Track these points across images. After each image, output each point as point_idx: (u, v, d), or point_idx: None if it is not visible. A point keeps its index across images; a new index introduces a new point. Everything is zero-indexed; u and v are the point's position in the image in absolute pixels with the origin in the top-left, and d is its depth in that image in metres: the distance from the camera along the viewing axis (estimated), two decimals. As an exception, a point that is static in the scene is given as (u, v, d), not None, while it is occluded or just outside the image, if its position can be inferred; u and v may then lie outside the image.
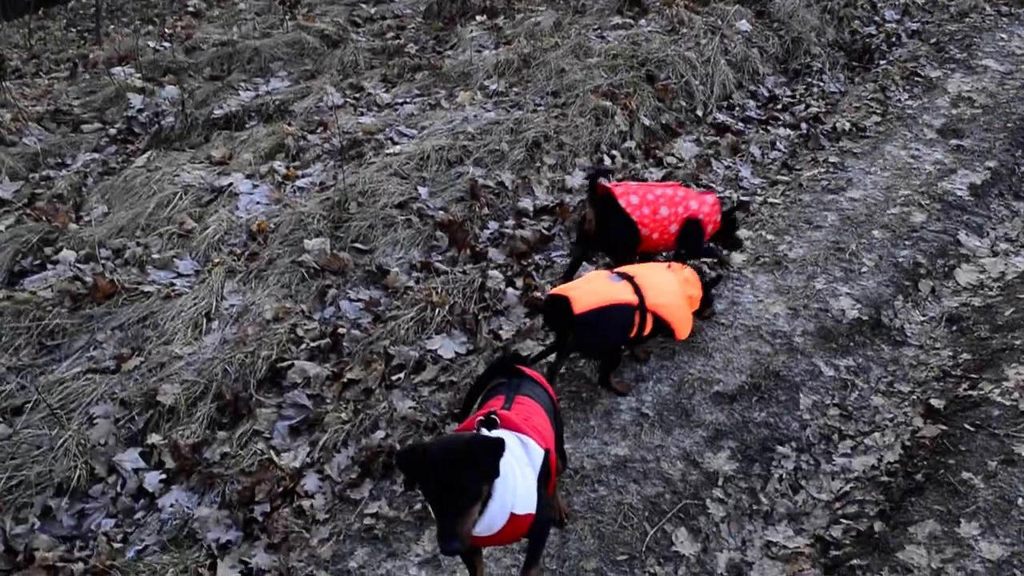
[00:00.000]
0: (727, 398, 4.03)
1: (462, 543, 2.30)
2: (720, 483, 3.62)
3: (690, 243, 4.65)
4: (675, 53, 7.04)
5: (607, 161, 5.96)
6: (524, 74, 6.93)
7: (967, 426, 3.80)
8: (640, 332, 3.95)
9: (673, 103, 6.68)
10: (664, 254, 4.86)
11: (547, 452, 2.70)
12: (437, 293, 4.67)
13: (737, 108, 6.94)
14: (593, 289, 3.89)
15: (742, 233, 5.13)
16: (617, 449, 3.76)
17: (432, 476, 2.30)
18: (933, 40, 8.30)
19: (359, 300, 4.75)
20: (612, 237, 4.51)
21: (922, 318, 4.61)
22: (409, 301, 4.66)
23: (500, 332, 4.51)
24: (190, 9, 10.89)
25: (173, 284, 4.85)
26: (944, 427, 3.83)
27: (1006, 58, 7.85)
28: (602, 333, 3.86)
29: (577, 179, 5.78)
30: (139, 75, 8.03)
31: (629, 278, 3.98)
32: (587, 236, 4.53)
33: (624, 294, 3.89)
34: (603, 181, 4.50)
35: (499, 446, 2.38)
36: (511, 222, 5.39)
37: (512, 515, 2.50)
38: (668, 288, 4.05)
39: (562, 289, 3.93)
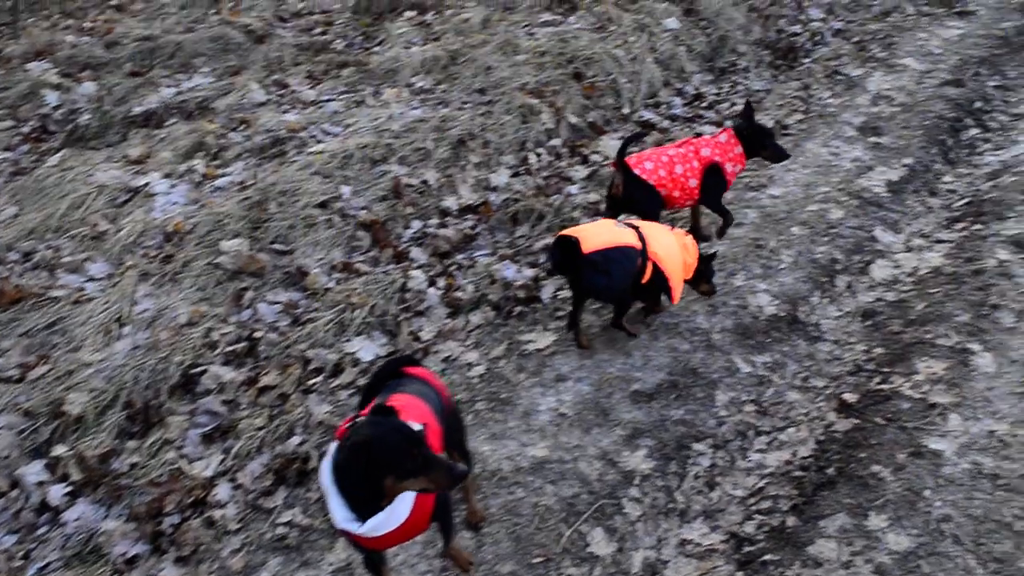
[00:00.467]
0: (645, 396, 4.05)
1: None
2: (637, 482, 3.64)
3: (711, 190, 4.89)
4: (603, 51, 7.06)
5: (532, 159, 5.95)
6: (451, 71, 6.88)
7: (878, 420, 3.88)
8: (639, 279, 4.14)
9: (600, 101, 6.70)
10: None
11: (424, 426, 2.68)
12: (357, 294, 4.60)
13: (663, 106, 6.98)
14: (600, 232, 4.11)
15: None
16: (535, 450, 3.75)
17: (406, 451, 2.41)
18: (856, 39, 8.47)
19: (277, 302, 4.66)
20: (636, 200, 4.78)
21: (838, 313, 4.69)
22: (328, 303, 4.59)
23: (421, 334, 4.46)
24: (113, 3, 10.57)
25: (83, 288, 4.70)
26: (856, 421, 3.91)
27: (925, 57, 8.04)
28: (608, 274, 4.05)
29: (503, 177, 5.75)
30: (56, 71, 7.76)
31: (635, 227, 4.20)
32: (614, 198, 4.84)
33: (629, 238, 4.10)
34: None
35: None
36: (434, 221, 5.34)
37: (416, 494, 2.50)
38: (668, 243, 4.24)
39: (570, 231, 4.12)
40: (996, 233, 5.31)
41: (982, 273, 4.92)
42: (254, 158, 5.89)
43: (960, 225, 5.47)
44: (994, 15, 9.41)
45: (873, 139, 6.47)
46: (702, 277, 4.46)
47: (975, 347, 4.30)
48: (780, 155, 5.04)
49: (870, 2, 9.46)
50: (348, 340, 4.40)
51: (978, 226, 5.41)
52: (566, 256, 4.07)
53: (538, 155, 6.03)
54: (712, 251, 4.65)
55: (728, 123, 6.74)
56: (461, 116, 6.15)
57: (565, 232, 4.12)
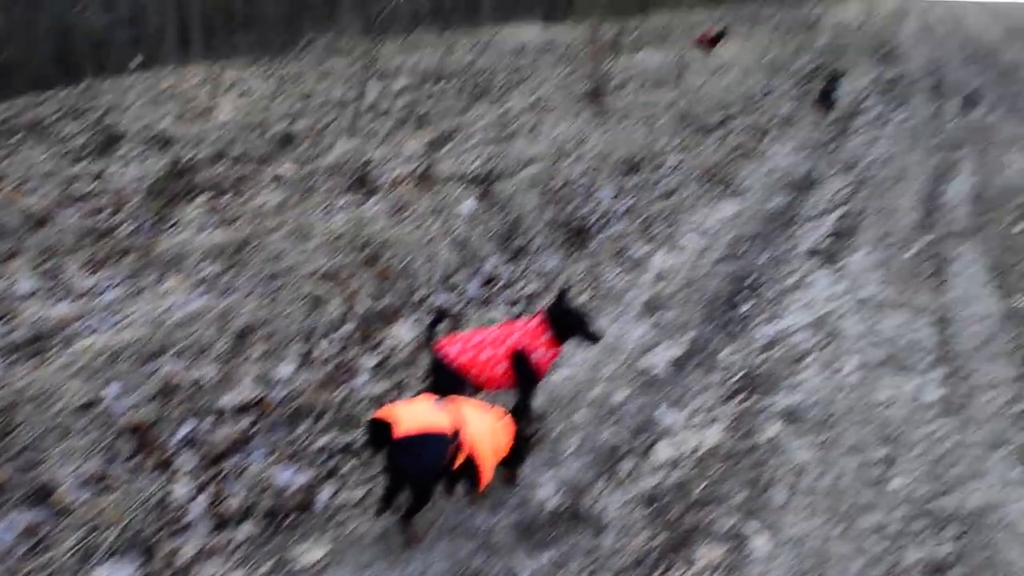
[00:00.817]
0: (421, 612, 3.82)
1: None
2: None
3: (521, 376, 4.89)
4: (399, 234, 7.14)
5: (319, 350, 5.80)
6: (241, 257, 6.72)
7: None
8: (451, 465, 4.00)
9: (394, 285, 6.70)
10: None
11: None
12: (112, 508, 4.18)
13: (458, 289, 7.07)
14: (416, 414, 3.95)
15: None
16: None
17: None
18: (642, 218, 9.04)
19: (16, 526, 4.15)
20: (440, 384, 4.75)
21: (622, 500, 4.67)
22: (76, 522, 4.13)
23: (180, 552, 4.07)
24: None
25: None
26: (638, 620, 3.82)
27: (704, 234, 8.65)
28: (418, 459, 3.91)
29: (287, 369, 5.55)
30: None
31: (453, 409, 4.09)
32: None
33: (443, 423, 3.96)
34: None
35: None
36: (209, 421, 5.03)
37: None
38: (484, 427, 4.13)
39: (386, 411, 3.95)
40: (769, 406, 5.58)
41: (756, 449, 5.10)
42: (10, 356, 5.42)
43: (737, 399, 5.70)
44: (764, 193, 10.38)
45: (657, 316, 6.77)
46: (513, 461, 4.41)
47: (751, 528, 4.38)
48: (593, 338, 5.11)
49: (655, 183, 10.20)
50: (96, 566, 3.95)
51: (753, 399, 5.67)
52: (377, 438, 3.96)
53: (327, 343, 5.89)
54: (529, 433, 4.61)
55: (518, 307, 6.90)
56: (247, 305, 5.96)
57: (379, 413, 4.01)
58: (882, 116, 15.76)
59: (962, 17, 47.17)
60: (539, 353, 4.92)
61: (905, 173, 11.62)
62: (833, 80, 15.17)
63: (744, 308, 7.13)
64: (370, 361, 5.80)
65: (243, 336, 5.70)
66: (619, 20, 17.91)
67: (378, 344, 6.02)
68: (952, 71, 22.12)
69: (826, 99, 14.90)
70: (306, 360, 5.73)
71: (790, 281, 7.72)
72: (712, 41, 20.00)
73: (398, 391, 5.53)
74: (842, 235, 8.92)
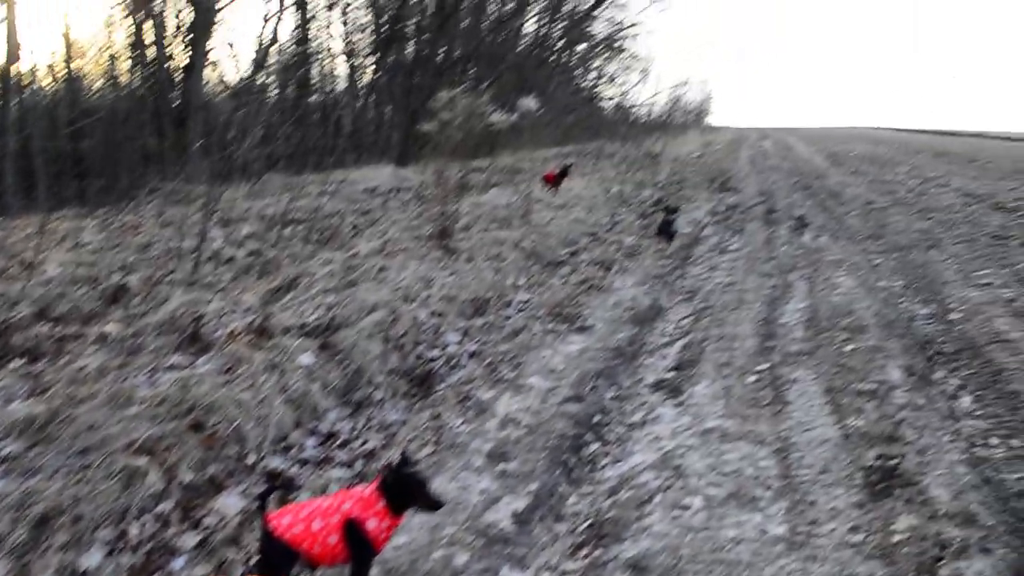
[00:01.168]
0: None
1: None
2: None
3: (355, 546, 4.60)
4: (228, 395, 6.76)
5: (133, 531, 5.30)
6: (49, 431, 6.17)
7: None
8: None
9: (222, 451, 6.29)
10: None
11: None
12: None
13: (295, 449, 6.72)
14: None
15: None
16: None
17: None
18: (488, 361, 8.96)
19: None
20: (268, 557, 4.55)
21: None
22: None
23: None
24: None
25: None
26: None
27: (549, 375, 8.63)
28: None
29: (94, 558, 5.02)
30: None
31: None
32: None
33: None
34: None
35: None
36: (-7, 631, 4.45)
37: None
38: None
39: None
40: (616, 556, 5.42)
41: (602, 607, 4.92)
42: None
43: (583, 552, 5.53)
44: (609, 327, 10.54)
45: (501, 467, 6.58)
46: None
47: None
48: (434, 505, 4.79)
49: (502, 323, 10.22)
50: None
51: (599, 551, 5.51)
52: None
53: (142, 524, 5.40)
54: None
55: (358, 466, 6.59)
56: (51, 486, 5.42)
57: None
58: (720, 244, 16.58)
59: (791, 146, 51.45)
60: (374, 523, 4.63)
61: (743, 299, 12.10)
62: (673, 212, 15.91)
63: (590, 450, 7.06)
64: (190, 540, 5.34)
65: (44, 523, 5.14)
66: (467, 161, 18.42)
67: (200, 520, 5.57)
68: (783, 197, 23.77)
69: (667, 230, 15.52)
70: (116, 545, 5.21)
71: (636, 418, 7.73)
72: (558, 178, 20.82)
73: (220, 573, 5.09)
74: (684, 366, 9.08)
